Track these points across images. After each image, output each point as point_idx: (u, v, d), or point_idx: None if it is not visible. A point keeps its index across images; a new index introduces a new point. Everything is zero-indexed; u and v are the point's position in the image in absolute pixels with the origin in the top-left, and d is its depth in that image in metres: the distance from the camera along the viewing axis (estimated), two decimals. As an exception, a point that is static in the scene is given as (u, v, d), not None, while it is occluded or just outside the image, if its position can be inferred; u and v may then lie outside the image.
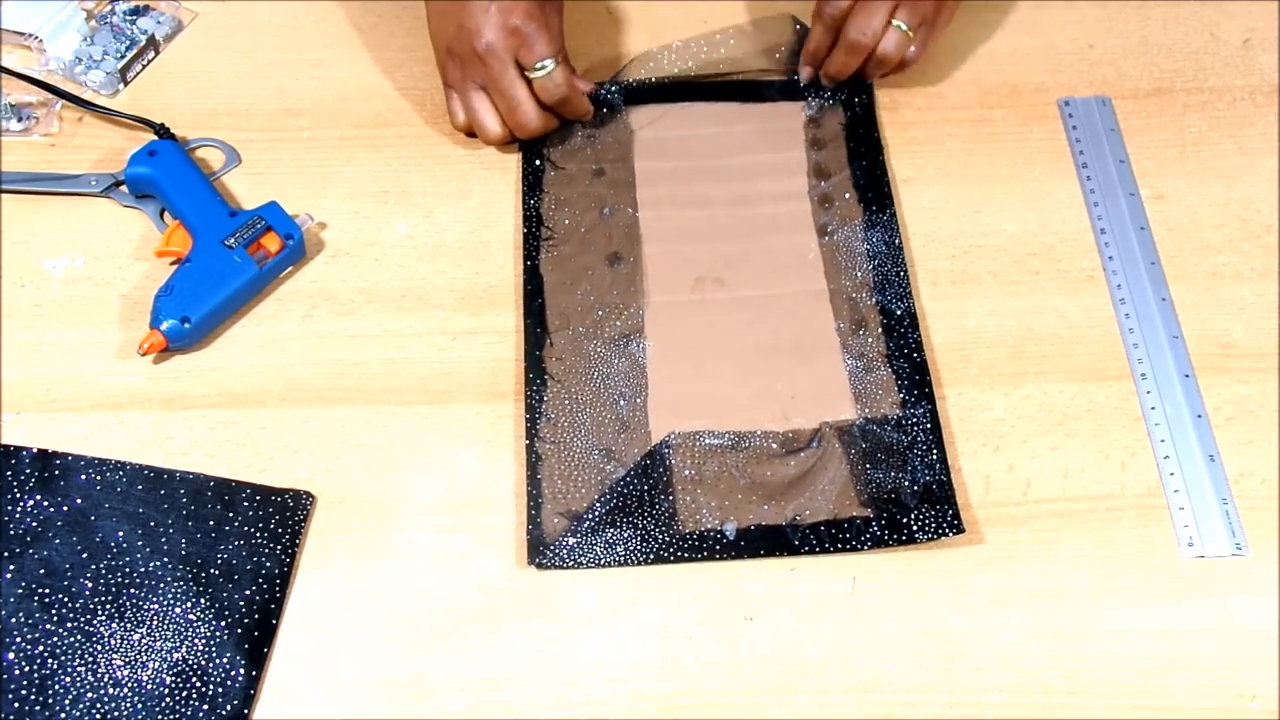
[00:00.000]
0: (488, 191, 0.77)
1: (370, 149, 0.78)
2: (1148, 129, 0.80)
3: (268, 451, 0.66)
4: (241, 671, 0.59)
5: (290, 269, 0.73)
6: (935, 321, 0.71)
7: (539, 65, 0.71)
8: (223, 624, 0.60)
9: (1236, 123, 0.80)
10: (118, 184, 0.75)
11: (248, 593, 0.61)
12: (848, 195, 0.76)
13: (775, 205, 0.76)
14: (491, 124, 0.74)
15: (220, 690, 0.58)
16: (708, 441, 0.66)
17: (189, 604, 0.60)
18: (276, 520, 0.63)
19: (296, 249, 0.72)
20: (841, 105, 0.80)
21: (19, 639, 0.59)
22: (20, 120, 0.78)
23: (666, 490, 0.65)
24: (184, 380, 0.68)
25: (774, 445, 0.66)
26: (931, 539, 0.63)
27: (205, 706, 0.58)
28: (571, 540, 0.63)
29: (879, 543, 0.63)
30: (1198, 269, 0.74)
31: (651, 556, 0.63)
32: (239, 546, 0.62)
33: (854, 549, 0.63)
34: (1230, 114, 0.81)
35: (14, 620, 0.60)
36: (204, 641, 0.59)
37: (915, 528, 0.63)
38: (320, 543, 0.63)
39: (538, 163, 0.77)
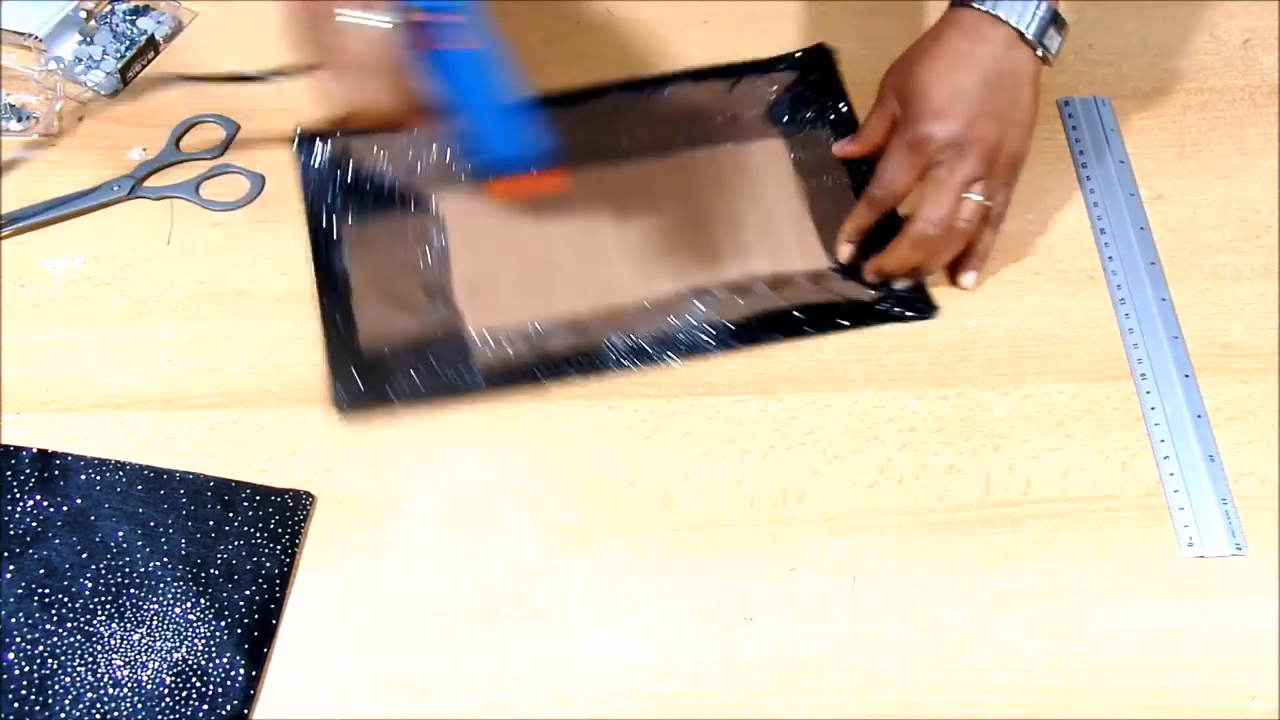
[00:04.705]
0: (488, 191, 0.77)
1: (370, 149, 0.78)
2: (1148, 129, 0.80)
3: (268, 451, 0.66)
4: (241, 671, 0.59)
5: None
6: (935, 321, 0.71)
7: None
8: (222, 624, 0.60)
9: (1236, 123, 0.80)
10: (140, 181, 0.75)
11: (247, 593, 0.61)
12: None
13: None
14: None
15: (220, 690, 0.58)
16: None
17: (189, 604, 0.60)
18: (276, 520, 0.63)
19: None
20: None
21: (19, 639, 0.59)
22: (20, 120, 0.78)
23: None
24: (184, 380, 0.68)
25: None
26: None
27: (205, 706, 0.58)
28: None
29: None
30: (1197, 269, 0.74)
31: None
32: (239, 546, 0.62)
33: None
34: (1230, 114, 0.81)
35: (14, 620, 0.60)
36: (204, 641, 0.60)
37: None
38: (320, 543, 0.63)
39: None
